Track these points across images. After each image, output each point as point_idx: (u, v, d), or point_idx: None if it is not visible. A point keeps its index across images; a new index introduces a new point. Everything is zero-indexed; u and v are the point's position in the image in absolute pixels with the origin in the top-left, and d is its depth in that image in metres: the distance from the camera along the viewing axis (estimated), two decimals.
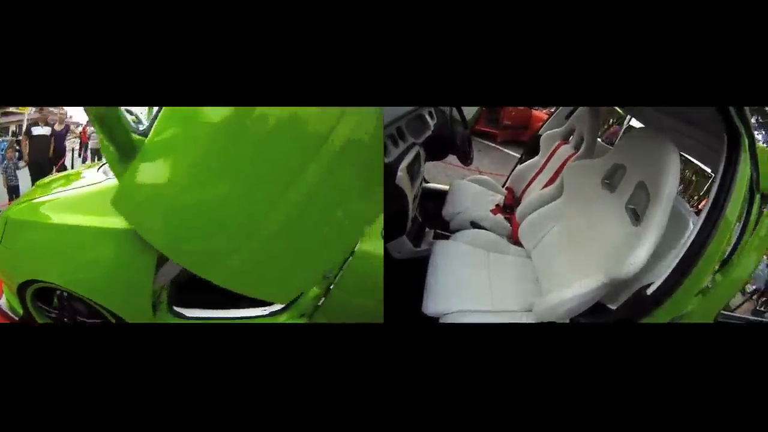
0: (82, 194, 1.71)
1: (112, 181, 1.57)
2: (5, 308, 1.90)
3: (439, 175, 3.69)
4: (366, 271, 1.80)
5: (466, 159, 2.47)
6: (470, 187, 2.84)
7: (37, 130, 4.49)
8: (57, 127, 4.72)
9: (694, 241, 1.15)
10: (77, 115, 8.11)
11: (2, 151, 5.03)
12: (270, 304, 1.89)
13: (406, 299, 1.62)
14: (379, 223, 1.83)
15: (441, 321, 1.50)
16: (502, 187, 3.15)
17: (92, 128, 7.00)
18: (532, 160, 2.97)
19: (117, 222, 1.48)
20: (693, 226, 1.25)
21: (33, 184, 3.51)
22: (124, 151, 1.33)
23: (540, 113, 6.69)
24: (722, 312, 1.68)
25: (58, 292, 1.69)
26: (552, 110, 3.41)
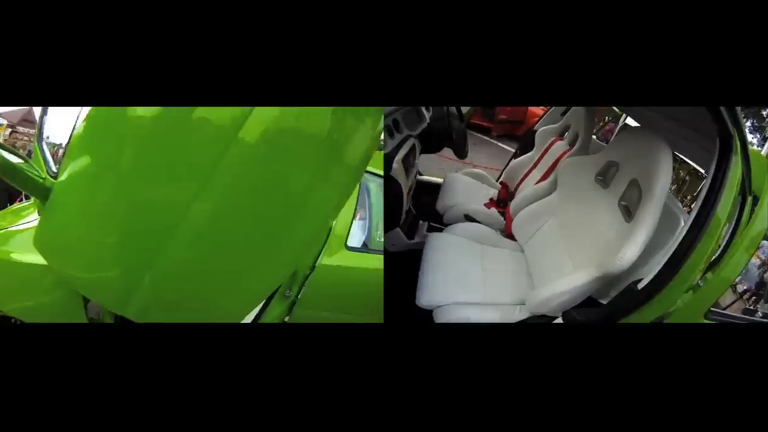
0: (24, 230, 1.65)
1: None
2: None
3: (433, 167, 3.68)
4: (332, 285, 1.77)
5: (461, 152, 2.48)
6: (464, 180, 2.85)
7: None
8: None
9: (683, 239, 1.17)
10: None
11: None
12: None
13: (400, 291, 1.63)
14: (342, 233, 1.83)
15: (435, 313, 1.52)
16: (496, 181, 3.16)
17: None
18: (526, 155, 2.98)
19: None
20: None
21: None
22: (40, 196, 1.23)
23: (535, 108, 6.70)
24: (713, 309, 1.71)
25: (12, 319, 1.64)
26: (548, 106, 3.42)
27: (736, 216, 1.74)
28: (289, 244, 1.24)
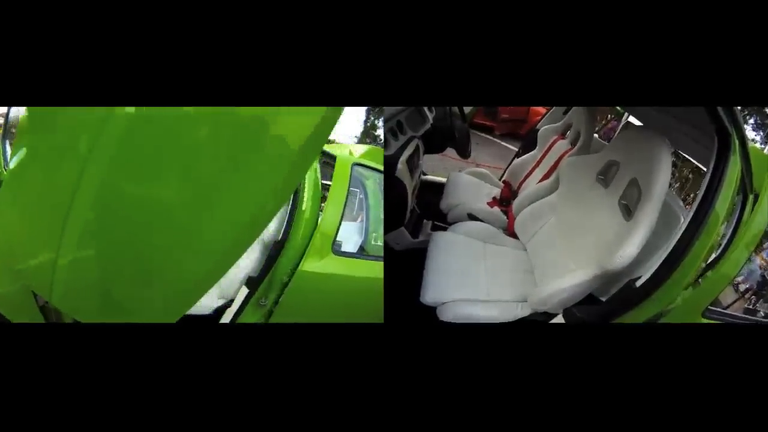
0: None
1: None
2: None
3: (436, 166, 3.71)
4: (316, 294, 1.67)
5: (464, 152, 2.50)
6: (467, 179, 2.87)
7: None
8: None
9: (681, 238, 1.19)
10: None
11: None
12: None
13: (405, 289, 1.66)
14: (328, 234, 1.70)
15: (438, 310, 1.54)
16: (499, 179, 3.19)
17: None
18: (529, 154, 3.00)
19: None
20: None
21: None
22: None
23: (538, 107, 6.69)
24: (711, 308, 1.73)
25: None
26: None
27: (737, 214, 1.76)
28: (204, 231, 1.14)
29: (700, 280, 1.49)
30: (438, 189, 2.73)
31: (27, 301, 1.41)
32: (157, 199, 1.08)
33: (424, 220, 2.44)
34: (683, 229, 1.21)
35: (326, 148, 2.02)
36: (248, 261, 1.75)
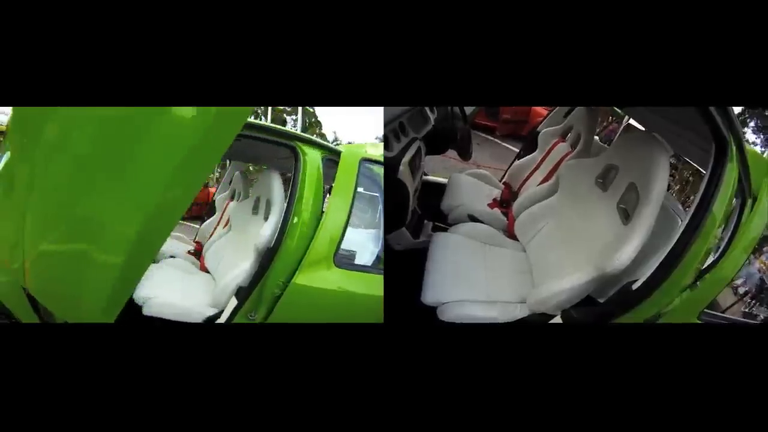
0: None
1: None
2: None
3: (437, 167, 3.72)
4: (310, 308, 1.55)
5: (465, 154, 2.51)
6: (468, 181, 2.89)
7: None
8: None
9: (678, 241, 1.21)
10: None
11: None
12: None
13: (405, 289, 1.67)
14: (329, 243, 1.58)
15: (439, 310, 1.56)
16: (500, 181, 3.20)
17: None
18: (529, 156, 3.02)
19: None
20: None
21: None
22: None
23: (539, 108, 6.70)
24: (706, 311, 1.75)
25: None
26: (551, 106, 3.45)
27: (735, 218, 1.78)
28: (111, 222, 1.14)
29: (697, 282, 1.51)
30: (439, 190, 2.74)
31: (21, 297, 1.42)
32: (73, 193, 1.13)
33: (425, 221, 2.45)
34: (680, 232, 1.23)
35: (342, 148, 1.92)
36: (241, 269, 1.69)
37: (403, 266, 1.80)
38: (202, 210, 4.12)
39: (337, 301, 1.57)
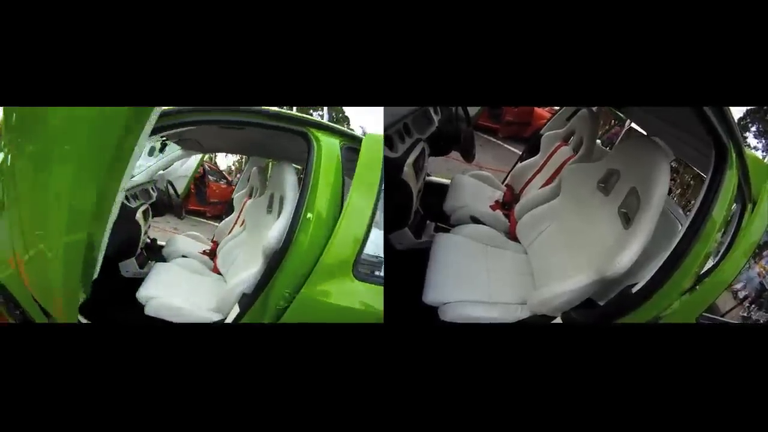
0: None
1: None
2: None
3: (440, 167, 3.72)
4: (312, 313, 1.39)
5: (468, 156, 2.52)
6: (471, 182, 2.89)
7: None
8: None
9: (676, 246, 1.23)
10: None
11: None
12: None
13: (407, 288, 1.68)
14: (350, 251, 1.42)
15: (440, 310, 1.58)
16: (502, 183, 3.21)
17: None
18: (532, 159, 3.03)
19: None
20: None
21: None
22: None
23: (542, 110, 6.72)
24: (711, 316, 1.76)
25: None
26: (554, 108, 3.46)
27: (735, 223, 1.79)
28: (54, 218, 1.11)
29: (696, 286, 1.52)
30: (442, 190, 2.75)
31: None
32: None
33: (428, 221, 2.46)
34: (680, 236, 1.24)
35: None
36: (248, 274, 1.60)
37: (405, 266, 1.81)
38: (222, 209, 3.96)
39: (354, 319, 1.32)
